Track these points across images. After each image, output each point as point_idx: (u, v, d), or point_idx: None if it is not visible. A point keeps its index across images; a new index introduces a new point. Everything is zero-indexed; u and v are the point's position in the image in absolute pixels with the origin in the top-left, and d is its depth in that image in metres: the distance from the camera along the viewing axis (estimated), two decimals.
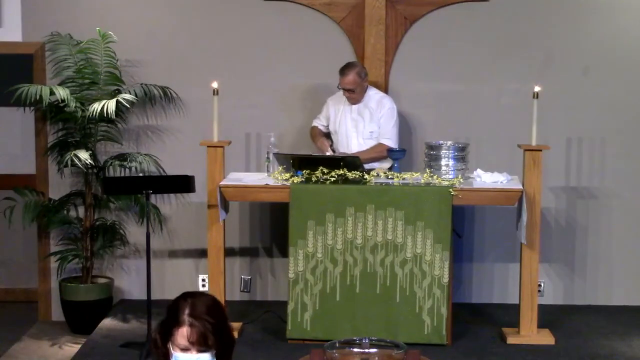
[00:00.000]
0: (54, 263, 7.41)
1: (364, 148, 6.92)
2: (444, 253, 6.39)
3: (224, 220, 6.59)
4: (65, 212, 7.35)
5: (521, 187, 6.46)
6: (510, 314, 6.98)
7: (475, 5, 7.31)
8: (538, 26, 7.31)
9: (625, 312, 7.31)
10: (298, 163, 6.61)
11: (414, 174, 6.58)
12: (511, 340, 6.54)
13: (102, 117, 7.07)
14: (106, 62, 7.23)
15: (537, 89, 6.49)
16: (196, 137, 7.15)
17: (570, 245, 7.46)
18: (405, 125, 7.38)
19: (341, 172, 6.51)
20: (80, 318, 7.21)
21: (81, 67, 7.20)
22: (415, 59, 7.36)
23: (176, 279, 7.55)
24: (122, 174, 7.25)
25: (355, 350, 5.19)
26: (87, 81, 7.21)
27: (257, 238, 7.54)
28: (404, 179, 6.55)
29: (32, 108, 7.26)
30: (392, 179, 6.57)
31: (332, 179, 6.50)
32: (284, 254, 7.38)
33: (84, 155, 7.00)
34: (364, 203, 6.40)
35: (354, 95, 6.89)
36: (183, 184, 6.47)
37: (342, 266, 6.44)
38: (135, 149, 7.44)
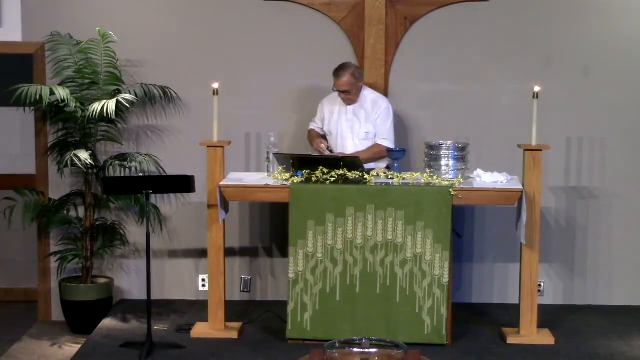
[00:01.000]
0: (54, 263, 7.41)
1: (360, 149, 6.92)
2: (444, 253, 6.39)
3: (224, 220, 6.59)
4: (65, 212, 7.35)
5: (521, 187, 6.46)
6: (510, 314, 6.98)
7: (475, 5, 7.31)
8: (538, 26, 7.31)
9: (625, 312, 7.31)
10: (298, 163, 6.61)
11: (414, 174, 6.58)
12: (511, 340, 6.54)
13: (102, 117, 7.07)
14: (106, 62, 7.23)
15: (537, 89, 6.49)
16: (196, 137, 7.14)
17: (570, 245, 7.46)
18: (405, 126, 7.38)
19: (341, 172, 6.51)
20: (80, 318, 7.21)
21: (81, 67, 7.20)
22: (415, 59, 7.36)
23: (176, 279, 7.55)
24: (122, 174, 7.25)
25: (355, 350, 5.20)
26: (87, 81, 7.21)
27: (257, 238, 7.54)
28: (404, 179, 6.55)
29: (32, 108, 7.26)
30: (392, 179, 6.57)
31: (332, 179, 6.50)
32: (284, 254, 7.38)
33: (84, 155, 7.00)
34: (364, 203, 6.40)
35: (350, 96, 6.89)
36: (183, 184, 6.47)
37: (342, 266, 6.44)
38: (135, 149, 7.45)
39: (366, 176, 6.50)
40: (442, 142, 6.67)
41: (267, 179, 6.65)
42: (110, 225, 7.40)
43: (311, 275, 6.46)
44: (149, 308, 6.41)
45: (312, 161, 6.61)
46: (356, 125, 6.94)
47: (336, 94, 6.97)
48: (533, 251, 6.51)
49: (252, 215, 7.52)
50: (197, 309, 7.25)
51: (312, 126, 7.15)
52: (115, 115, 7.09)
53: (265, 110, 7.40)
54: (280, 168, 6.64)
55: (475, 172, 6.68)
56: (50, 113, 7.31)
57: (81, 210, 7.37)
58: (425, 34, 7.34)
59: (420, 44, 7.35)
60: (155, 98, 7.33)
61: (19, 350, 6.90)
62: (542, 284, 7.40)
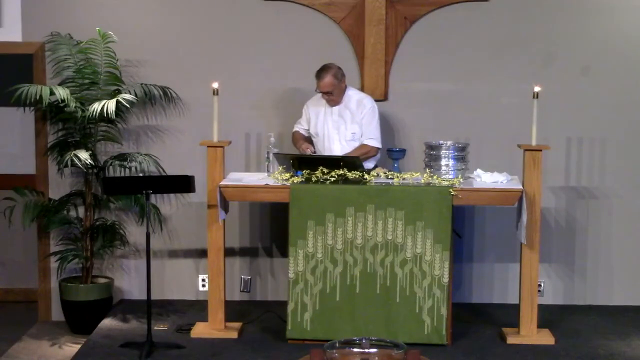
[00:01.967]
0: (54, 263, 7.41)
1: (347, 150, 6.91)
2: (444, 253, 6.39)
3: (224, 220, 6.59)
4: (65, 212, 7.35)
5: (521, 187, 6.46)
6: (510, 314, 6.98)
7: (475, 5, 7.31)
8: (538, 26, 7.31)
9: (625, 312, 7.31)
10: (298, 163, 6.61)
11: (414, 174, 6.58)
12: (511, 340, 6.54)
13: (102, 117, 7.07)
14: (106, 62, 7.23)
15: (537, 89, 6.49)
16: (196, 137, 7.15)
17: (570, 245, 7.46)
18: (405, 126, 7.39)
19: (341, 172, 6.51)
20: (80, 318, 7.21)
21: (81, 67, 7.20)
22: (415, 59, 7.36)
23: (176, 279, 7.55)
24: (122, 174, 7.25)
25: (355, 350, 5.20)
26: (87, 81, 7.21)
27: (257, 238, 7.54)
28: (404, 179, 6.55)
29: (32, 108, 7.26)
30: (392, 179, 6.57)
31: (332, 179, 6.50)
32: (284, 254, 7.39)
33: (84, 155, 7.00)
34: (364, 203, 6.40)
35: (332, 97, 6.88)
36: (183, 184, 6.47)
37: (342, 266, 6.44)
38: (135, 149, 7.45)
39: (366, 176, 6.50)
40: (442, 142, 6.68)
41: (267, 179, 6.65)
42: (110, 225, 7.40)
43: (311, 275, 6.46)
44: (149, 308, 6.41)
45: (312, 161, 6.62)
46: (342, 127, 6.94)
47: (317, 97, 6.98)
48: (533, 251, 6.51)
49: (252, 215, 7.52)
50: (197, 309, 7.25)
51: (297, 128, 7.13)
52: (115, 115, 7.09)
53: (265, 110, 7.40)
54: (280, 168, 6.64)
55: (475, 172, 6.68)
56: (50, 113, 7.31)
57: (81, 210, 7.38)
58: (425, 34, 7.34)
59: (420, 44, 7.35)
60: (155, 98, 7.33)
61: (19, 350, 6.90)
62: (542, 284, 7.41)
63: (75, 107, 7.09)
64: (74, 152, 7.02)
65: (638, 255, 7.45)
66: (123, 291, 7.57)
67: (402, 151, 6.77)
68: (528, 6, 7.30)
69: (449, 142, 6.65)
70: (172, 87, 7.35)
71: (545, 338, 6.56)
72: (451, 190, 6.36)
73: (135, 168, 7.24)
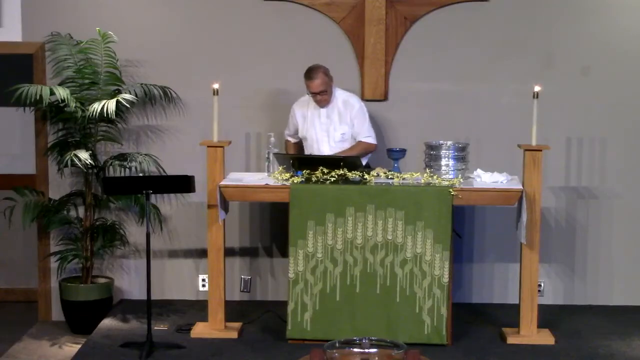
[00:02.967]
0: (54, 263, 7.41)
1: (336, 151, 6.90)
2: (444, 253, 6.39)
3: (223, 220, 6.59)
4: (65, 212, 7.35)
5: (521, 187, 6.46)
6: (510, 314, 6.98)
7: (475, 5, 7.31)
8: (538, 26, 7.31)
9: (625, 312, 7.31)
10: (298, 163, 6.61)
11: (414, 174, 6.58)
12: (511, 340, 6.54)
13: (102, 117, 7.07)
14: (106, 62, 7.23)
15: (537, 89, 6.49)
16: (196, 137, 7.15)
17: (570, 245, 7.46)
18: (405, 126, 7.38)
19: (341, 172, 6.51)
20: (80, 318, 7.21)
21: (81, 67, 7.20)
22: (415, 59, 7.36)
23: (176, 279, 7.55)
24: (122, 174, 7.25)
25: (355, 350, 5.20)
26: (87, 81, 7.21)
27: (257, 238, 7.54)
28: (404, 179, 6.55)
29: (32, 108, 7.26)
30: (392, 179, 6.57)
31: (332, 179, 6.50)
32: (284, 254, 7.39)
33: (84, 155, 7.00)
34: (364, 203, 6.40)
35: (325, 96, 6.87)
36: (183, 184, 6.47)
37: (342, 266, 6.45)
38: (135, 149, 7.45)
39: (366, 176, 6.50)
40: (442, 142, 6.67)
41: (267, 179, 6.65)
42: (110, 225, 7.40)
43: (311, 275, 6.46)
44: (149, 308, 6.41)
45: (312, 161, 6.61)
46: (331, 128, 6.93)
47: (305, 98, 6.98)
48: (533, 251, 6.51)
49: (252, 215, 7.52)
50: (197, 309, 7.25)
51: (287, 137, 7.16)
52: (115, 115, 7.09)
53: (266, 110, 7.40)
54: (280, 168, 6.64)
55: (475, 172, 6.68)
56: (50, 113, 7.31)
57: (81, 210, 7.38)
58: (425, 34, 7.34)
59: (420, 44, 7.35)
60: (155, 98, 7.33)
61: (19, 350, 6.90)
62: (542, 284, 7.41)
63: (75, 107, 7.09)
64: (74, 152, 7.02)
65: (638, 255, 7.45)
66: (123, 291, 7.58)
67: (402, 151, 6.77)
68: (528, 6, 7.30)
69: (449, 142, 6.65)
70: (172, 87, 7.35)
71: (545, 338, 6.56)
72: (451, 190, 6.36)
73: (135, 168, 7.24)
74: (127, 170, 7.24)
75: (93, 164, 7.13)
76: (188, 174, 6.51)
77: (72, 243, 7.39)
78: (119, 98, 7.05)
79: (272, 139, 6.86)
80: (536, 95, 6.47)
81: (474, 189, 6.44)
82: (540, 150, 6.47)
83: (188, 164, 7.26)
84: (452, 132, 7.28)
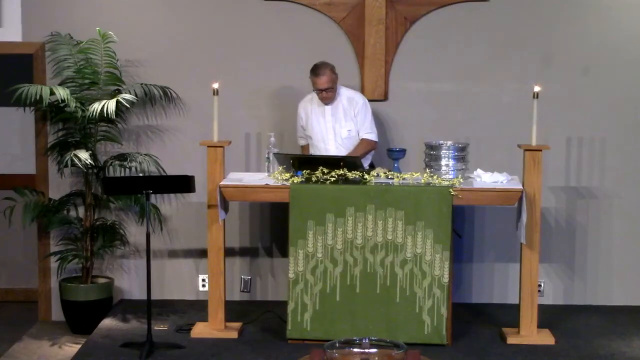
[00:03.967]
0: (54, 263, 7.41)
1: (342, 149, 6.91)
2: (444, 253, 6.39)
3: (224, 220, 6.59)
4: (65, 212, 7.35)
5: (521, 187, 6.46)
6: (510, 314, 6.98)
7: (475, 5, 7.31)
8: (538, 26, 7.31)
9: (625, 312, 7.31)
10: (298, 163, 6.61)
11: (414, 174, 6.58)
12: (511, 340, 6.54)
13: (102, 117, 7.07)
14: (106, 62, 7.23)
15: (537, 89, 6.49)
16: (196, 137, 7.15)
17: (570, 245, 7.46)
18: (405, 126, 7.38)
19: (341, 172, 6.51)
20: (80, 318, 7.21)
21: (81, 67, 7.20)
22: (415, 59, 7.36)
23: (176, 279, 7.55)
24: (122, 174, 7.25)
25: (355, 350, 5.20)
26: (87, 81, 7.21)
27: (257, 238, 7.54)
28: (404, 179, 6.55)
29: (32, 108, 7.26)
30: (392, 179, 6.57)
31: (332, 179, 6.50)
32: (284, 254, 7.39)
33: (84, 155, 7.00)
34: (364, 203, 6.40)
35: (330, 93, 6.88)
36: (183, 184, 6.47)
37: (342, 266, 6.44)
38: (135, 149, 7.45)
39: (366, 176, 6.50)
40: (442, 142, 6.68)
41: (267, 179, 6.65)
42: (110, 225, 7.40)
43: (311, 275, 6.46)
44: (149, 308, 6.41)
45: (312, 161, 6.62)
46: (337, 126, 6.94)
47: (308, 97, 6.99)
48: (533, 251, 6.51)
49: (252, 215, 7.52)
50: (197, 309, 7.25)
51: (300, 142, 7.15)
52: (115, 115, 7.09)
53: (265, 110, 7.40)
54: (280, 168, 6.64)
55: (475, 172, 6.68)
56: (50, 113, 7.31)
57: (81, 210, 7.38)
58: (425, 34, 7.34)
59: (420, 44, 7.35)
60: (155, 98, 7.34)
61: (19, 350, 6.90)
62: (542, 284, 7.41)
63: (75, 107, 7.09)
64: (74, 152, 7.02)
65: (638, 255, 7.45)
66: (123, 291, 7.58)
67: (402, 151, 6.77)
68: (528, 6, 7.30)
69: (449, 142, 6.65)
70: (172, 87, 7.35)
71: (545, 338, 6.56)
72: (451, 190, 6.36)
73: (135, 168, 7.24)
74: (127, 170, 7.24)
75: (93, 164, 7.13)
76: (188, 174, 6.51)
77: (72, 243, 7.40)
78: (119, 98, 7.05)
79: (272, 139, 6.86)
80: (536, 95, 6.47)
81: (474, 189, 6.44)
82: (540, 150, 6.47)
83: (188, 164, 7.26)
84: (452, 132, 7.28)
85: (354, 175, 6.51)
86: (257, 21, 7.35)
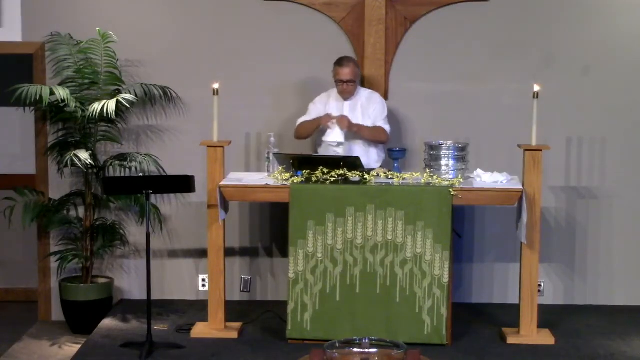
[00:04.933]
0: (54, 263, 7.41)
1: (359, 145, 6.90)
2: (444, 253, 6.39)
3: (224, 220, 6.59)
4: (65, 212, 7.35)
5: (521, 187, 6.46)
6: (510, 314, 6.98)
7: (475, 5, 7.31)
8: (538, 26, 7.31)
9: (625, 312, 7.31)
10: (298, 163, 6.61)
11: (414, 174, 6.58)
12: (511, 340, 6.54)
13: (102, 117, 7.07)
14: (106, 62, 7.23)
15: (537, 89, 6.49)
16: (196, 137, 7.15)
17: (570, 245, 7.46)
18: (405, 125, 7.39)
19: (341, 172, 6.51)
20: (80, 318, 7.21)
21: (81, 67, 7.20)
22: (415, 59, 7.36)
23: (176, 279, 7.55)
24: (122, 174, 7.25)
25: (355, 350, 5.20)
26: (87, 81, 7.21)
27: (257, 238, 7.54)
28: (404, 179, 6.55)
29: (32, 108, 7.26)
30: (392, 179, 6.57)
31: (332, 179, 6.50)
32: (284, 254, 7.39)
33: (84, 155, 7.00)
34: (364, 203, 6.40)
35: (351, 87, 6.88)
36: (183, 184, 6.47)
37: (342, 266, 6.44)
38: (135, 149, 7.45)
39: (366, 176, 6.50)
40: (442, 142, 6.68)
41: (267, 179, 6.65)
42: (110, 225, 7.40)
43: (311, 275, 6.46)
44: (149, 308, 6.41)
45: (312, 161, 6.61)
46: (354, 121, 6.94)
47: (326, 94, 6.99)
48: (533, 251, 6.51)
49: (252, 215, 7.52)
50: (197, 309, 7.25)
51: (301, 119, 7.09)
52: (115, 115, 7.09)
53: (265, 110, 7.40)
54: (280, 168, 6.64)
55: (475, 172, 6.68)
56: (50, 113, 7.31)
57: (81, 210, 7.38)
58: (425, 34, 7.34)
59: (420, 44, 7.35)
60: (155, 98, 7.34)
61: (19, 350, 6.90)
62: (542, 284, 7.41)
63: (75, 107, 7.09)
64: (74, 152, 7.02)
65: (638, 255, 7.45)
66: (123, 291, 7.58)
67: (402, 151, 6.77)
68: (528, 6, 7.30)
69: (449, 142, 6.65)
70: (172, 87, 7.35)
71: (545, 338, 6.56)
72: (451, 190, 6.36)
73: (135, 168, 7.24)
74: (127, 170, 7.24)
75: (93, 164, 7.13)
76: (188, 174, 6.51)
77: (72, 243, 7.40)
78: (119, 98, 7.05)
79: (272, 139, 6.86)
80: (536, 95, 6.47)
81: (474, 189, 6.44)
82: (540, 150, 6.47)
83: (188, 164, 7.26)
84: (452, 132, 7.28)
85: (354, 175, 6.51)
86: (257, 21, 7.35)
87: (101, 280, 7.40)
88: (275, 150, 6.82)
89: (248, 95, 7.38)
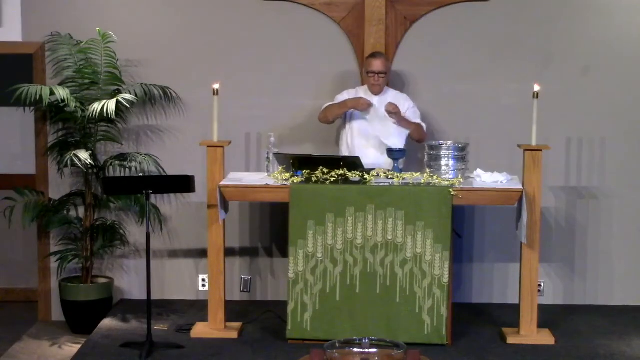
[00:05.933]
0: (54, 263, 7.41)
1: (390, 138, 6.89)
2: (444, 253, 6.39)
3: (224, 220, 6.59)
4: (65, 212, 7.35)
5: (521, 187, 6.46)
6: (510, 314, 6.98)
7: (475, 5, 7.31)
8: (538, 26, 7.31)
9: (625, 312, 7.31)
10: (298, 163, 6.61)
11: (414, 174, 6.58)
12: (511, 340, 6.54)
13: (102, 117, 7.07)
14: (106, 62, 7.23)
15: (537, 89, 6.49)
16: (196, 137, 7.15)
17: (570, 245, 7.46)
18: None
19: (341, 172, 6.51)
20: (80, 318, 7.21)
21: (81, 67, 7.20)
22: (415, 59, 7.36)
23: (176, 279, 7.55)
24: (122, 174, 7.26)
25: (355, 350, 5.20)
26: (87, 81, 7.21)
27: (257, 238, 7.54)
28: (404, 179, 6.55)
29: (32, 108, 7.26)
30: (392, 179, 6.57)
31: (332, 179, 6.50)
32: (284, 254, 7.39)
33: (84, 155, 7.00)
34: (364, 203, 6.40)
35: (381, 80, 6.88)
36: (183, 184, 6.47)
37: (342, 266, 6.45)
38: (135, 149, 7.45)
39: (366, 176, 6.50)
40: (442, 142, 6.68)
41: (267, 179, 6.65)
42: (110, 225, 7.40)
43: (311, 275, 6.46)
44: (149, 308, 6.41)
45: (312, 161, 6.61)
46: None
47: (354, 90, 6.98)
48: (533, 251, 6.51)
49: (252, 215, 7.52)
50: (197, 309, 7.25)
51: (328, 104, 7.01)
52: (115, 115, 7.09)
53: (265, 110, 7.40)
54: (280, 168, 6.64)
55: (475, 172, 6.68)
56: (50, 113, 7.31)
57: (81, 210, 7.38)
58: (425, 34, 7.34)
59: (420, 44, 7.35)
60: (155, 98, 7.34)
61: (19, 350, 6.90)
62: (542, 284, 7.41)
63: (75, 107, 7.09)
64: (74, 152, 7.02)
65: (638, 255, 7.45)
66: (123, 291, 7.58)
67: (402, 151, 6.77)
68: (528, 6, 7.30)
69: (449, 142, 6.65)
70: (172, 87, 7.35)
71: (545, 338, 6.56)
72: (451, 190, 6.36)
73: (135, 168, 7.24)
74: (127, 170, 7.24)
75: (93, 164, 7.13)
76: (188, 174, 6.51)
77: (72, 243, 7.40)
78: (119, 98, 7.05)
79: (272, 139, 6.86)
80: (536, 95, 6.47)
81: (474, 189, 6.44)
82: (540, 150, 6.47)
83: (188, 164, 7.26)
84: (452, 132, 7.28)
85: (354, 175, 6.51)
86: (257, 21, 7.36)
87: (101, 280, 7.40)
88: (275, 150, 6.81)
89: (248, 95, 7.38)
